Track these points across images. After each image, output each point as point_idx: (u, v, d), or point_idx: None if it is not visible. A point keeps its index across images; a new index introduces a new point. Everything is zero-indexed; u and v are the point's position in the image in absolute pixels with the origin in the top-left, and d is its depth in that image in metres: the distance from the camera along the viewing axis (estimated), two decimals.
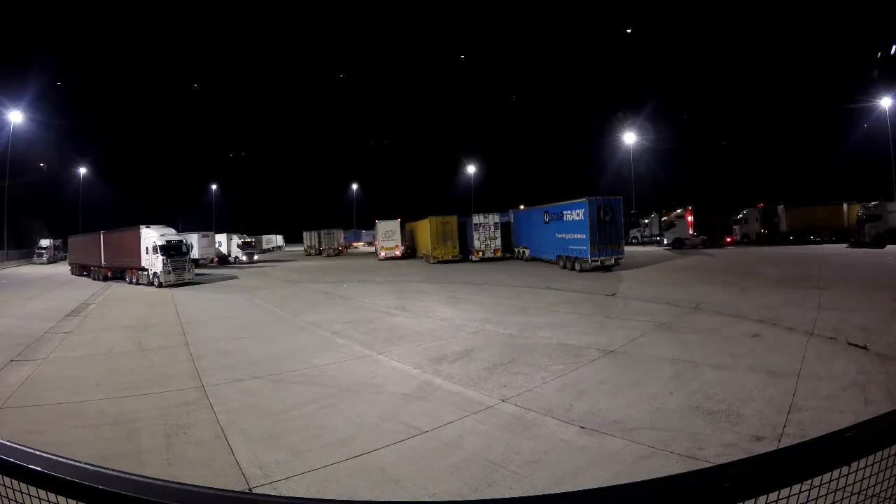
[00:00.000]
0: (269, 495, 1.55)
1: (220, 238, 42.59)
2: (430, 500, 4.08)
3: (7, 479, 1.15)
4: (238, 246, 42.46)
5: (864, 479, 1.16)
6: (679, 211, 40.17)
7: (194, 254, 31.83)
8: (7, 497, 1.18)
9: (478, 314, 12.46)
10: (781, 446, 3.92)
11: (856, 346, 7.81)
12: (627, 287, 16.40)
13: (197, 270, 27.21)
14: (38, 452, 1.10)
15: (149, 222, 24.64)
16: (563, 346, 8.76)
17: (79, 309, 16.29)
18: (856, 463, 1.07)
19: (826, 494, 1.11)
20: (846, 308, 10.63)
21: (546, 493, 1.17)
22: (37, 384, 7.64)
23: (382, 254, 37.13)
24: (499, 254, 30.99)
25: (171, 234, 23.99)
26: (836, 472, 1.04)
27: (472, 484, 4.22)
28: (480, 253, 30.99)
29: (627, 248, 24.44)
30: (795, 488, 1.02)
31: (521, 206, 35.13)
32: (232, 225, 57.97)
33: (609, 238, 21.68)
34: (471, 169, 59.78)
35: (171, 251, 22.93)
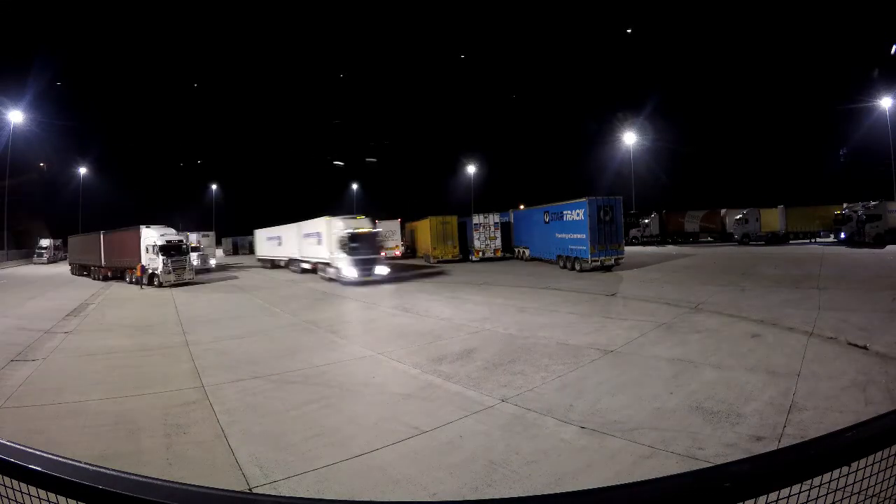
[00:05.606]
0: (269, 495, 1.55)
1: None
2: (430, 500, 4.08)
3: (7, 479, 1.15)
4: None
5: (864, 479, 1.15)
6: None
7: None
8: (7, 497, 1.18)
9: (478, 314, 12.46)
10: (781, 446, 3.93)
11: (856, 346, 7.80)
12: (627, 287, 16.40)
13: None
14: (38, 452, 1.10)
15: (149, 222, 24.66)
16: (563, 346, 8.76)
17: (79, 309, 16.29)
18: (856, 463, 1.07)
19: (826, 494, 1.11)
20: (846, 308, 10.62)
21: (546, 493, 1.17)
22: (37, 384, 7.64)
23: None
24: (499, 254, 30.99)
25: (171, 234, 23.99)
26: (836, 472, 1.04)
27: (472, 484, 4.22)
28: (480, 253, 30.99)
29: (627, 248, 24.44)
30: (795, 488, 1.02)
31: (521, 206, 35.08)
32: (232, 225, 57.93)
33: (609, 238, 21.68)
34: (471, 169, 59.48)
35: (171, 251, 22.95)
